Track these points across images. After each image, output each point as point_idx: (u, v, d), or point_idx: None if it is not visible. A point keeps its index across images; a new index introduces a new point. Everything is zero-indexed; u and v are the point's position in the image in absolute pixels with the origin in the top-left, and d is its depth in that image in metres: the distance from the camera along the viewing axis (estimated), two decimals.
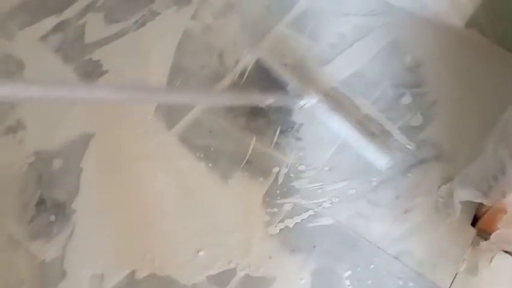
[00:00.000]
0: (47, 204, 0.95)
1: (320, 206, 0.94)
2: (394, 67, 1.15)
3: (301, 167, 0.99)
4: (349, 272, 0.87)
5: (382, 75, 1.13)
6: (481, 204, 0.90)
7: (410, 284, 0.85)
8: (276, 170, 0.99)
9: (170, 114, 1.07)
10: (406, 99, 1.10)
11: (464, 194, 0.85)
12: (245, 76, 1.13)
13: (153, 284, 0.87)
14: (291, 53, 1.16)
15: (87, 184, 0.99)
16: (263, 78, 1.12)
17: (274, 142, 1.03)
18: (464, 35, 1.17)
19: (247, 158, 1.01)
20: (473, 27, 1.17)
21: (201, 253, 0.90)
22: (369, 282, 0.86)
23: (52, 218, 0.94)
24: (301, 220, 0.93)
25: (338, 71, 1.14)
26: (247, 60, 1.15)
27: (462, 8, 1.19)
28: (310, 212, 0.93)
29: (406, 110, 1.08)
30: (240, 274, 0.87)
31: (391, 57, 1.16)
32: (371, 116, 1.06)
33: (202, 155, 1.02)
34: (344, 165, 1.00)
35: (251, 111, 1.07)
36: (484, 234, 0.88)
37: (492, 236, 0.84)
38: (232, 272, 0.88)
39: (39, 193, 0.97)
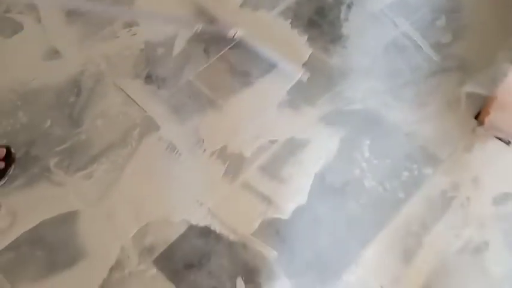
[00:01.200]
0: (153, 77, 1.31)
1: (354, 96, 1.21)
2: None
3: (344, 69, 1.26)
4: (368, 142, 1.14)
5: (425, 2, 1.34)
6: (485, 105, 1.11)
7: (416, 153, 1.11)
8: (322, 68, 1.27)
9: None
10: (441, 22, 1.30)
11: (471, 87, 1.08)
12: None
13: (221, 160, 1.20)
14: None
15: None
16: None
17: (324, 47, 1.30)
18: None
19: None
20: None
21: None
22: (383, 149, 1.12)
23: (156, 88, 1.30)
24: (338, 104, 1.20)
25: None
26: None
27: None
28: (346, 99, 1.20)
29: (439, 30, 1.29)
30: (287, 136, 1.18)
31: None
32: (407, 32, 1.29)
33: None
34: (378, 70, 1.25)
35: (309, 22, 1.34)
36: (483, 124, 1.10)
37: (486, 120, 1.06)
38: None
39: (147, 70, 1.32)
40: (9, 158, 1.15)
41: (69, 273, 1.02)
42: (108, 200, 1.11)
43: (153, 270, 1.01)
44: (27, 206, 1.11)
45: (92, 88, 1.28)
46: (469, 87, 1.11)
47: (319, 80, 1.25)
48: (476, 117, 1.13)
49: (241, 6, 1.40)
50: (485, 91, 1.08)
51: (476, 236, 1.00)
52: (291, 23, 1.34)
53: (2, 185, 1.13)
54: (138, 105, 1.26)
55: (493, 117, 1.05)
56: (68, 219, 1.09)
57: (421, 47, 1.26)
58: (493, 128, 1.07)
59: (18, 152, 1.18)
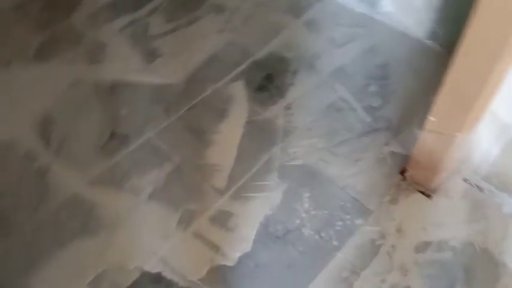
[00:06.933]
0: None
1: (296, 152, 1.35)
2: (368, 65, 1.55)
3: (288, 127, 1.41)
4: (308, 194, 1.27)
5: (358, 70, 1.54)
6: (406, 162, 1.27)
7: (349, 205, 1.24)
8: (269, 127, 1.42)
9: None
10: (372, 88, 1.49)
11: (393, 146, 1.24)
12: None
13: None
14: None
15: None
16: None
17: (271, 108, 1.46)
18: (424, 44, 1.56)
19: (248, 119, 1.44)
20: (431, 39, 1.55)
21: None
22: (321, 200, 1.25)
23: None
24: (282, 160, 1.34)
25: (327, 66, 1.56)
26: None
27: (424, 24, 1.57)
28: (288, 155, 1.34)
29: (370, 95, 1.47)
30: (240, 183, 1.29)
31: (366, 57, 1.57)
32: (344, 97, 1.47)
33: None
34: (318, 128, 1.41)
35: (259, 87, 1.51)
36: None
37: (406, 176, 1.21)
38: None
39: None
40: None
41: None
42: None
43: None
44: None
45: None
46: (392, 147, 1.28)
47: (266, 138, 1.39)
48: (401, 173, 1.28)
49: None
50: (405, 150, 1.24)
51: (400, 281, 1.12)
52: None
53: None
54: None
55: (411, 173, 1.20)
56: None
57: (355, 109, 1.44)
58: (414, 183, 1.23)
59: None
